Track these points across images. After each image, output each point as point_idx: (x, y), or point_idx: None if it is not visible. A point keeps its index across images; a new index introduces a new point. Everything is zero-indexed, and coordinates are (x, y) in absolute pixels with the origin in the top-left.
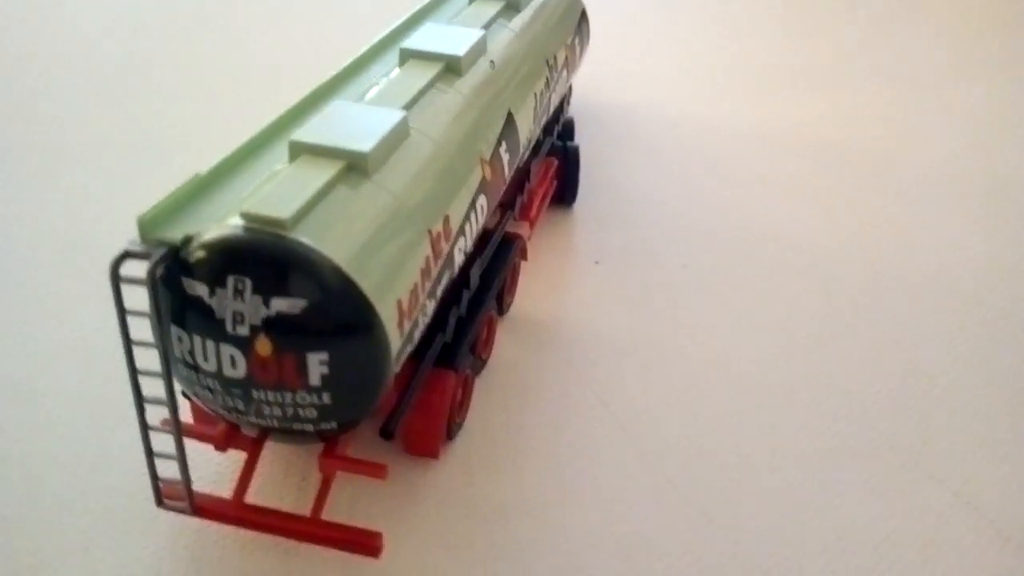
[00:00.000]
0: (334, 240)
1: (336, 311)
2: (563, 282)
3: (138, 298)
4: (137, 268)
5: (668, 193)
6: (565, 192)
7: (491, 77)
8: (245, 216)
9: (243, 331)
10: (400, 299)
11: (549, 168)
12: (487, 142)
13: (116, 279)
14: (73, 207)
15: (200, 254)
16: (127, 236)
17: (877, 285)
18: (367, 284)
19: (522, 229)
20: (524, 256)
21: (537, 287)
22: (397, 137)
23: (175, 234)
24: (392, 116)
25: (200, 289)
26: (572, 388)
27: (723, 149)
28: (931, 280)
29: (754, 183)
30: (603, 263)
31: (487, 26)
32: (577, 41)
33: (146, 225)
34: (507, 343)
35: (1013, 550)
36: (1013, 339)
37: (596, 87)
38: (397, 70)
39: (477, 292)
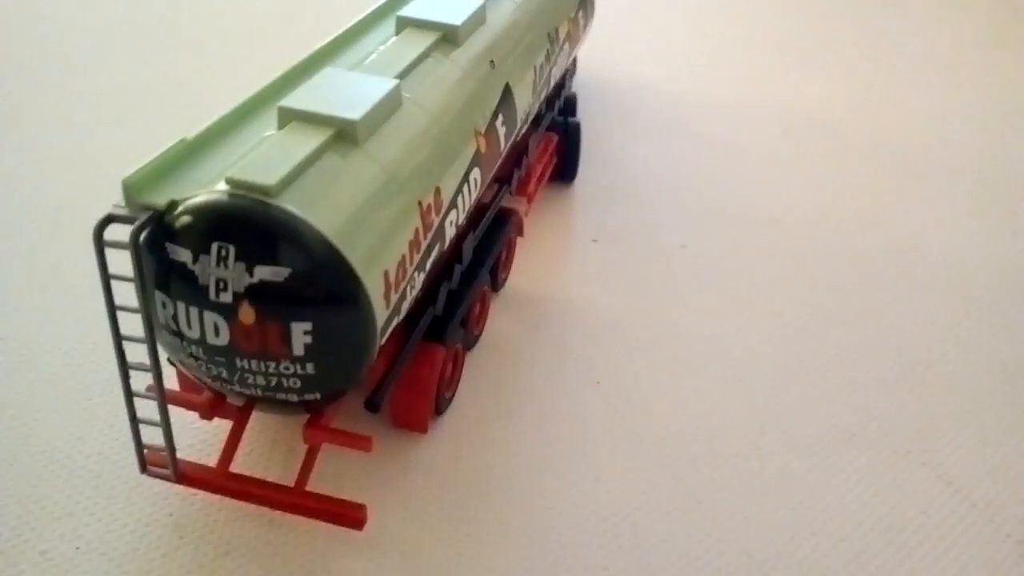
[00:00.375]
0: (320, 208)
1: (321, 280)
2: (560, 259)
3: (124, 263)
4: (122, 232)
5: (669, 171)
6: (565, 168)
7: (489, 48)
8: (230, 182)
9: (226, 298)
10: (387, 270)
11: (549, 144)
12: (483, 114)
13: (100, 243)
14: (65, 169)
15: (184, 219)
16: (114, 200)
17: (878, 270)
18: (353, 254)
19: (519, 204)
20: (520, 232)
21: (533, 264)
22: (389, 106)
23: (160, 198)
24: (384, 84)
25: (184, 255)
26: (565, 366)
27: (727, 128)
28: (932, 267)
29: (757, 163)
30: (601, 241)
31: None
32: (581, 15)
33: (131, 188)
34: (501, 319)
35: (1003, 538)
36: (1009, 327)
37: (600, 62)
38: (393, 38)
39: (470, 267)
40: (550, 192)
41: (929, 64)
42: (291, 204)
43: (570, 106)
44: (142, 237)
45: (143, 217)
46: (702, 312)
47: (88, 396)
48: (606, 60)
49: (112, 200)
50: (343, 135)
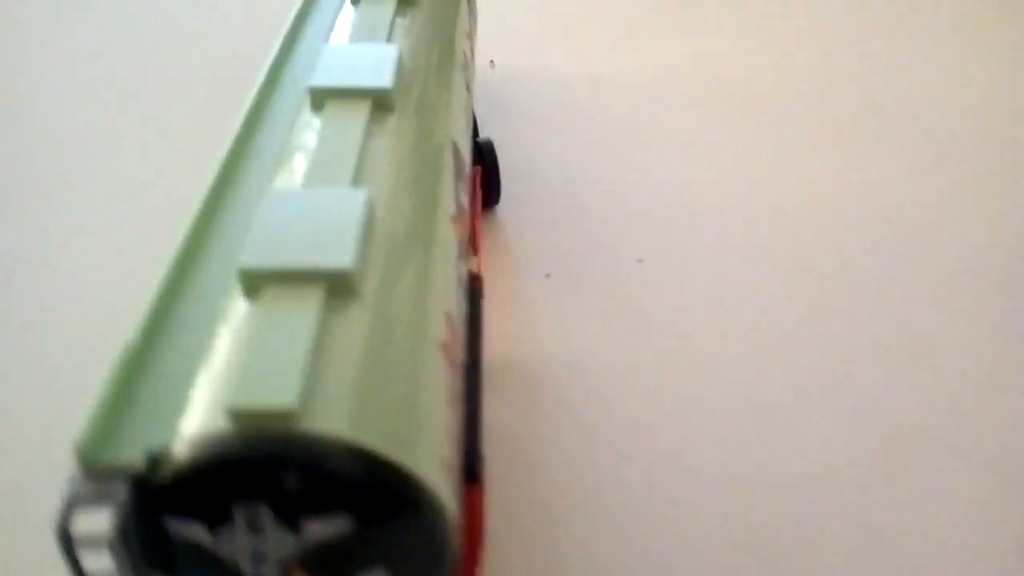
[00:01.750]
0: (362, 417)
1: (393, 515)
2: (519, 309)
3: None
4: (93, 518)
5: (596, 174)
6: (488, 195)
7: (422, 104)
8: (235, 413)
9: (270, 573)
10: (444, 456)
11: (475, 179)
12: (449, 192)
13: (68, 543)
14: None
15: (185, 481)
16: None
17: (855, 249)
18: (420, 464)
19: (471, 264)
20: (482, 294)
21: (493, 320)
22: (368, 229)
23: (131, 451)
24: (352, 201)
25: (195, 531)
26: (577, 442)
27: (639, 110)
28: (915, 238)
29: (684, 146)
30: (554, 275)
31: (390, 36)
32: (473, 24)
33: (88, 451)
34: (487, 405)
35: None
36: (1005, 287)
37: (477, 62)
38: (314, 119)
39: (470, 369)
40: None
41: (851, 10)
42: (328, 423)
43: (474, 125)
44: (129, 523)
45: (120, 493)
46: (691, 334)
47: None
48: (480, 58)
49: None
50: (336, 288)
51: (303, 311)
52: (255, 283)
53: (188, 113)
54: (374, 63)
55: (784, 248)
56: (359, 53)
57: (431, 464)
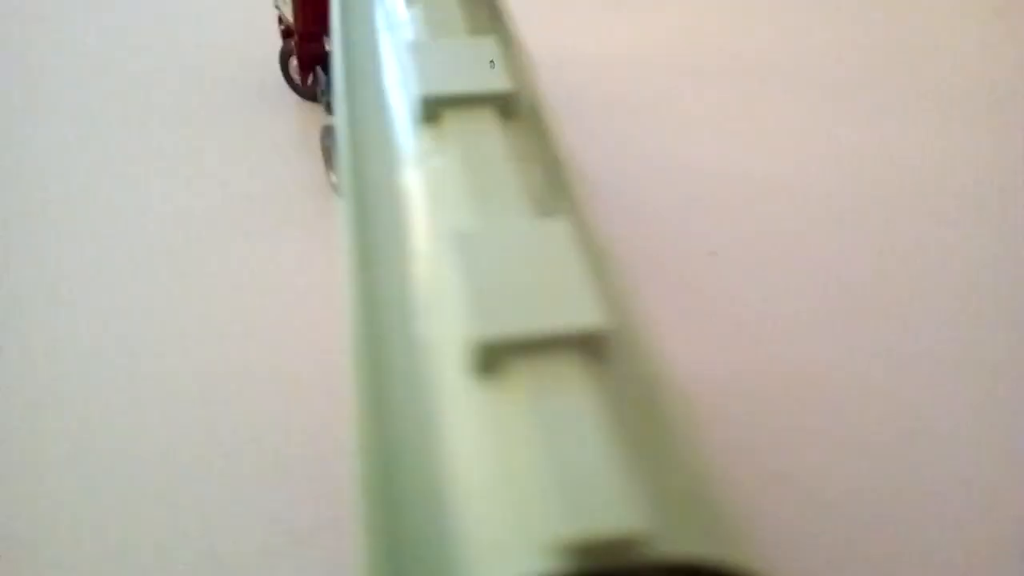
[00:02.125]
0: (697, 523)
1: None
2: None
3: None
4: None
5: (641, 163)
6: None
7: (531, 105)
8: (570, 549)
9: None
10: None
11: None
12: (590, 205)
13: None
14: None
15: None
16: None
17: (924, 214)
18: (754, 560)
19: None
20: None
21: None
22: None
23: None
24: (558, 235)
25: None
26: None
27: (660, 88)
28: (1005, 208)
29: (719, 122)
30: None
31: (472, 29)
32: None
33: None
34: None
35: None
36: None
37: None
38: (431, 134)
39: None
40: None
41: None
42: (679, 542)
43: None
44: None
45: None
46: (787, 332)
47: None
48: None
49: None
50: (592, 352)
51: (574, 393)
52: (494, 359)
53: (185, 128)
54: (478, 62)
55: (858, 221)
56: (453, 51)
57: (754, 552)
